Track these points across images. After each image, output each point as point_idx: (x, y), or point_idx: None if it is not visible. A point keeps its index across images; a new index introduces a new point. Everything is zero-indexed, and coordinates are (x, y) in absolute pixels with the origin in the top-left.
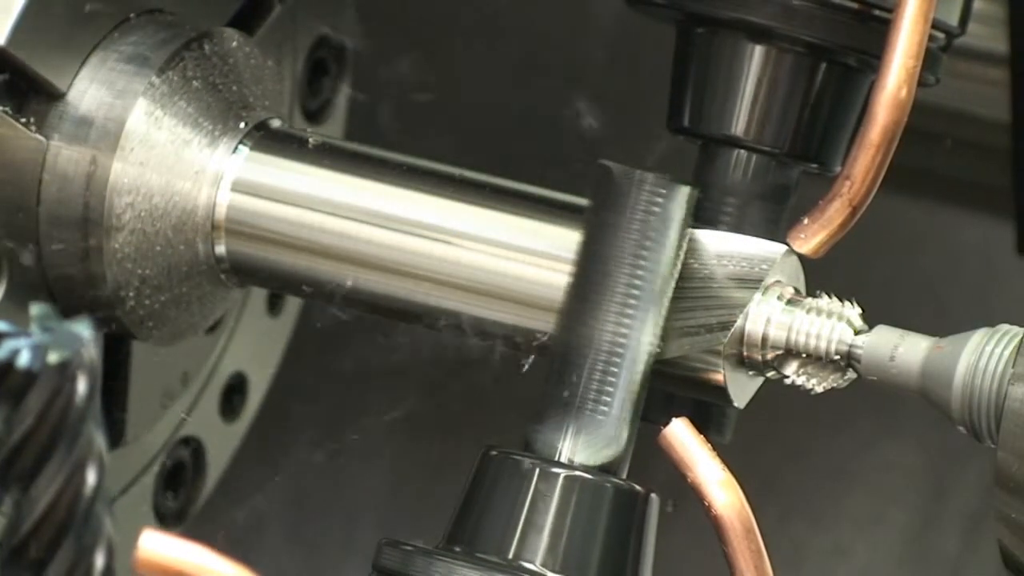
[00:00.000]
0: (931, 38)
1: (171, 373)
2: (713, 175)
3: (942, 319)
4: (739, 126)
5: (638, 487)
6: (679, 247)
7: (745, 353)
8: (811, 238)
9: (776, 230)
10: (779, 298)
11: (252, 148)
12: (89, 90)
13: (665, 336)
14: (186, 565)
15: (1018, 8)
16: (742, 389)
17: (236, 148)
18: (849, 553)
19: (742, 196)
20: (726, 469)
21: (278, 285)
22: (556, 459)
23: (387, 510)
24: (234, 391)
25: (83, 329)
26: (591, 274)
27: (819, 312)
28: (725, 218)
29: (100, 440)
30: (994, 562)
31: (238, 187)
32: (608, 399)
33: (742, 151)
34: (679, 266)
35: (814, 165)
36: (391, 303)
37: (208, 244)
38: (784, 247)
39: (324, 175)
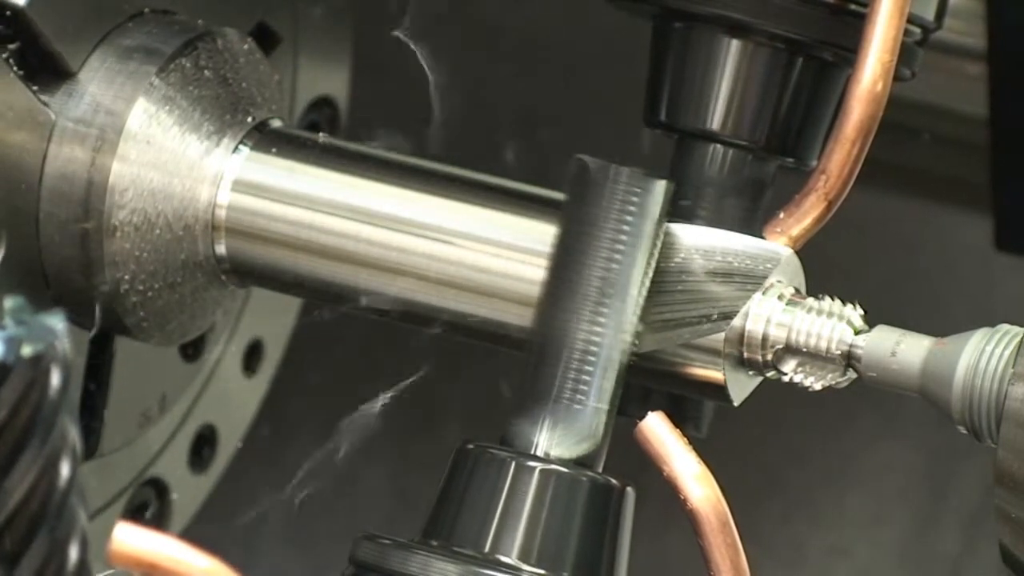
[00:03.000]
0: (907, 32)
1: (150, 393)
2: (689, 169)
3: (942, 319)
4: (715, 120)
5: (614, 480)
6: (655, 241)
7: (745, 354)
8: (787, 232)
9: (752, 224)
10: (779, 298)
11: (252, 148)
12: (99, 74)
13: (641, 330)
14: (160, 558)
15: (996, 3)
16: (741, 388)
17: (237, 148)
18: (849, 553)
19: (718, 190)
20: (702, 463)
21: (278, 285)
22: (532, 452)
23: (387, 510)
24: (204, 442)
25: (57, 322)
26: (567, 268)
27: (819, 312)
28: (701, 212)
29: (74, 433)
30: (994, 562)
31: (238, 187)
32: (584, 393)
33: (718, 145)
34: (655, 260)
35: (790, 159)
36: (391, 303)
37: (208, 243)
38: (787, 249)
39: (324, 175)
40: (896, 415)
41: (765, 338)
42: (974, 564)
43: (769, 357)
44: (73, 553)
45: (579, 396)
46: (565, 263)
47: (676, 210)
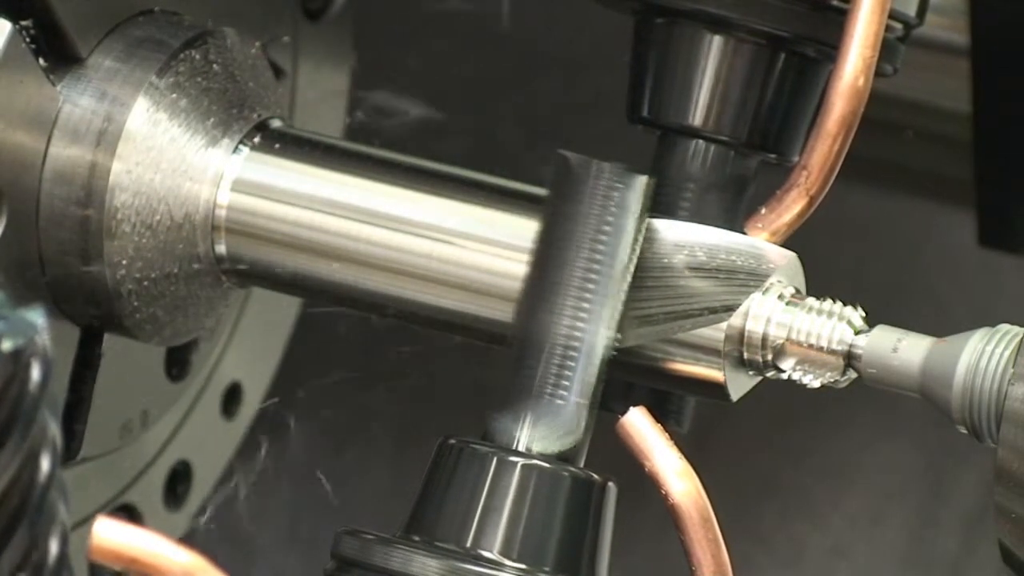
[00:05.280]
0: (888, 28)
1: (134, 405)
2: (672, 165)
3: (942, 319)
4: (697, 116)
5: (595, 476)
6: (636, 237)
7: (745, 354)
8: (768, 227)
9: (735, 220)
10: (779, 298)
11: (253, 148)
12: (107, 61)
13: (623, 325)
14: (141, 552)
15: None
16: (740, 387)
17: (237, 147)
18: (849, 553)
19: (701, 186)
20: (683, 458)
21: (277, 285)
22: (514, 448)
23: (387, 510)
24: (179, 477)
25: (38, 317)
26: (549, 263)
27: (819, 312)
28: (683, 208)
29: (54, 429)
30: (994, 562)
31: (238, 186)
32: (566, 388)
33: (700, 141)
34: (636, 255)
35: (772, 155)
36: (391, 302)
37: (207, 242)
38: (770, 244)
39: (324, 175)
40: (896, 415)
41: (765, 338)
42: (974, 564)
43: (769, 357)
44: (53, 547)
45: (561, 391)
46: (547, 258)
47: (658, 206)
